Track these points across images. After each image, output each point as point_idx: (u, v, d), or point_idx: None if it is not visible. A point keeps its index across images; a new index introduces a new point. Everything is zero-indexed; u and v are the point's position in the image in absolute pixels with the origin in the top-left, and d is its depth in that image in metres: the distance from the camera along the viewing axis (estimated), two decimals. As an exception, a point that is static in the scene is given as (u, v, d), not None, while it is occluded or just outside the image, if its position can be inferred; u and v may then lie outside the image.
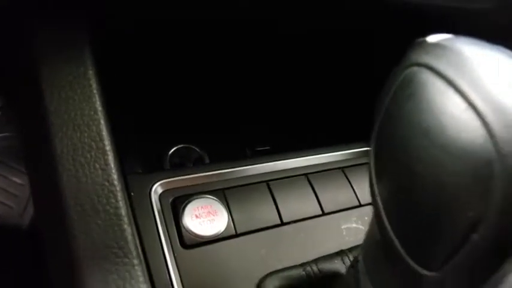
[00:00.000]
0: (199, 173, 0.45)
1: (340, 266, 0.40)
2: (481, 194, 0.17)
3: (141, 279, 0.30)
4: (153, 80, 0.59)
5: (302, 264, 0.40)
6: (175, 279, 0.37)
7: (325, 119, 0.72)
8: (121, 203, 0.33)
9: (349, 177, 0.50)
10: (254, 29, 0.56)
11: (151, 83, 0.60)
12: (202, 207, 0.42)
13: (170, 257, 0.38)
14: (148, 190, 0.41)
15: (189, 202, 0.42)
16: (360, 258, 0.29)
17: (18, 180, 1.04)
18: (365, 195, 0.49)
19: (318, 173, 0.50)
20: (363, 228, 0.47)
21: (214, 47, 0.58)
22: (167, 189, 0.43)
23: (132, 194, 0.40)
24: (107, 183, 0.32)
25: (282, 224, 0.44)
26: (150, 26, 0.50)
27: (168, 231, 0.39)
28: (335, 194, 0.48)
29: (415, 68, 0.21)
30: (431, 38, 0.22)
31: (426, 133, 0.19)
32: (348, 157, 0.53)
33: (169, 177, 0.43)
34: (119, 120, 0.41)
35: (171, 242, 0.39)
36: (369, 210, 0.41)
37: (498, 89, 0.18)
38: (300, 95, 0.73)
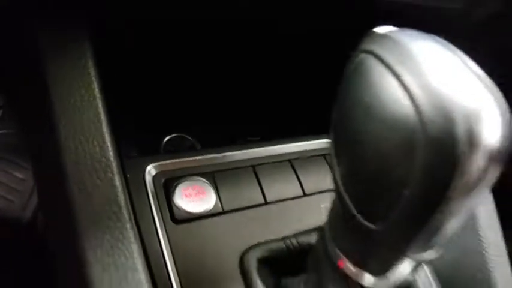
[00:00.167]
0: (190, 157, 0.49)
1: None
2: (408, 157, 0.21)
3: (132, 239, 0.33)
4: (149, 74, 0.63)
5: (283, 238, 0.44)
6: (166, 251, 0.41)
7: (313, 111, 0.76)
8: (116, 177, 0.37)
9: (329, 162, 0.54)
10: (248, 27, 0.59)
11: (147, 77, 0.63)
12: (192, 187, 0.46)
13: (162, 231, 0.42)
14: (143, 171, 0.45)
15: (180, 183, 0.46)
16: (326, 227, 0.33)
17: (20, 176, 1.08)
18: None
19: (301, 159, 0.54)
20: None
21: (209, 43, 0.61)
22: (160, 171, 0.46)
23: (128, 175, 0.44)
24: (104, 159, 0.35)
25: (266, 203, 0.48)
26: (149, 24, 0.53)
27: (160, 208, 0.43)
28: (316, 178, 0.52)
29: (363, 55, 0.25)
30: (380, 29, 0.26)
31: (368, 109, 0.23)
32: (329, 145, 0.57)
33: (162, 161, 0.47)
34: (116, 112, 0.45)
35: (162, 218, 0.43)
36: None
37: (428, 73, 0.22)
38: (290, 89, 0.76)
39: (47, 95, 0.38)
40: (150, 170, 0.46)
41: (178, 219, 0.43)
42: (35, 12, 0.40)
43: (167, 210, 0.43)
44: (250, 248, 0.43)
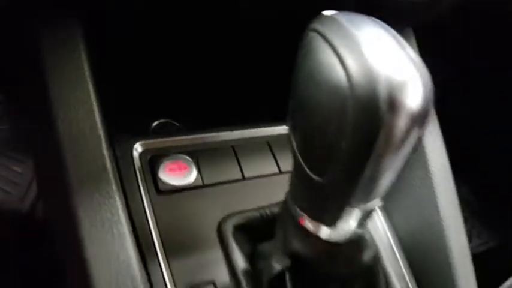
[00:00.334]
0: (175, 137, 0.54)
1: None
2: (341, 116, 0.26)
3: (117, 200, 0.38)
4: (135, 62, 0.67)
5: (257, 209, 0.49)
6: (151, 217, 0.45)
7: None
8: (106, 152, 0.41)
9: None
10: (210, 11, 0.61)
11: (134, 65, 0.68)
12: (175, 163, 0.50)
13: (146, 200, 0.46)
14: (131, 149, 0.50)
15: (164, 159, 0.50)
16: (288, 190, 0.37)
17: (18, 169, 1.13)
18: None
19: (278, 140, 0.58)
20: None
21: (184, 32, 0.65)
22: (147, 149, 0.51)
23: (118, 153, 0.49)
24: (95, 137, 0.40)
25: (244, 179, 0.52)
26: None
27: (145, 180, 0.48)
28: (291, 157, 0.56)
29: (311, 34, 0.29)
30: (326, 12, 0.30)
31: (310, 77, 0.27)
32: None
33: (148, 139, 0.52)
34: (106, 97, 0.49)
35: (147, 189, 0.47)
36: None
37: (361, 47, 0.26)
38: (274, 77, 0.80)
39: (45, 85, 0.42)
40: (137, 147, 0.50)
41: (161, 190, 0.47)
42: (35, 12, 0.44)
43: (152, 182, 0.48)
44: (228, 216, 0.47)
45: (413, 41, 0.60)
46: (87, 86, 0.43)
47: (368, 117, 0.25)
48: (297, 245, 0.37)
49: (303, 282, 0.41)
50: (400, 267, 0.51)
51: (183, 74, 0.71)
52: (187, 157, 0.52)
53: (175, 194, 0.48)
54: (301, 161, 0.31)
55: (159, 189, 0.47)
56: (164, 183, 0.48)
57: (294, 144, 0.32)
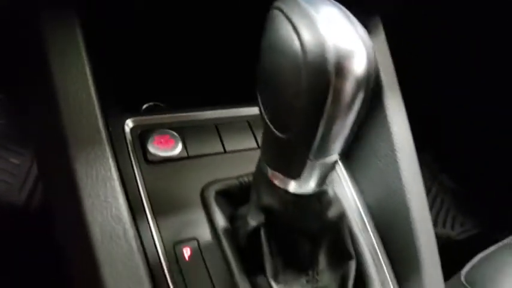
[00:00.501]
0: (163, 115, 0.59)
1: None
2: (297, 78, 0.31)
3: (110, 160, 0.44)
4: (127, 48, 0.72)
5: (237, 177, 0.54)
6: (140, 184, 0.50)
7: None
8: (101, 124, 0.46)
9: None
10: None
11: (125, 51, 0.73)
12: (163, 137, 0.56)
13: (137, 169, 0.51)
14: (122, 124, 0.55)
15: (153, 133, 0.55)
16: (260, 151, 0.43)
17: (15, 161, 1.17)
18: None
19: (258, 119, 0.63)
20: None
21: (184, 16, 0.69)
22: (137, 125, 0.56)
23: (110, 128, 0.54)
24: (90, 114, 0.45)
25: (225, 152, 0.58)
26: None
27: (135, 152, 0.53)
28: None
29: (274, 11, 0.34)
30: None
31: (272, 47, 0.33)
32: None
33: (139, 116, 0.57)
34: (101, 81, 0.54)
35: (137, 159, 0.52)
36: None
37: (315, 20, 0.32)
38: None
39: (47, 66, 0.46)
40: (129, 123, 0.55)
41: (150, 160, 0.53)
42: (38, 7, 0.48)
43: (142, 153, 0.53)
44: (210, 183, 0.53)
45: (381, 27, 0.66)
46: (84, 65, 0.48)
47: (319, 81, 0.31)
48: (268, 199, 0.43)
49: (276, 237, 0.47)
50: (366, 227, 0.57)
51: (169, 59, 0.76)
52: (174, 132, 0.57)
53: (163, 164, 0.53)
54: (268, 121, 0.37)
55: (148, 160, 0.53)
56: (153, 154, 0.53)
57: (262, 107, 0.37)
